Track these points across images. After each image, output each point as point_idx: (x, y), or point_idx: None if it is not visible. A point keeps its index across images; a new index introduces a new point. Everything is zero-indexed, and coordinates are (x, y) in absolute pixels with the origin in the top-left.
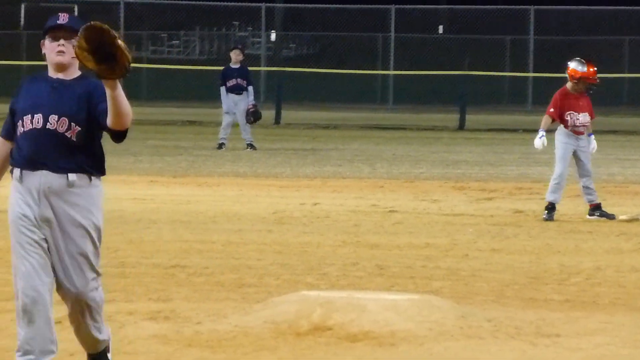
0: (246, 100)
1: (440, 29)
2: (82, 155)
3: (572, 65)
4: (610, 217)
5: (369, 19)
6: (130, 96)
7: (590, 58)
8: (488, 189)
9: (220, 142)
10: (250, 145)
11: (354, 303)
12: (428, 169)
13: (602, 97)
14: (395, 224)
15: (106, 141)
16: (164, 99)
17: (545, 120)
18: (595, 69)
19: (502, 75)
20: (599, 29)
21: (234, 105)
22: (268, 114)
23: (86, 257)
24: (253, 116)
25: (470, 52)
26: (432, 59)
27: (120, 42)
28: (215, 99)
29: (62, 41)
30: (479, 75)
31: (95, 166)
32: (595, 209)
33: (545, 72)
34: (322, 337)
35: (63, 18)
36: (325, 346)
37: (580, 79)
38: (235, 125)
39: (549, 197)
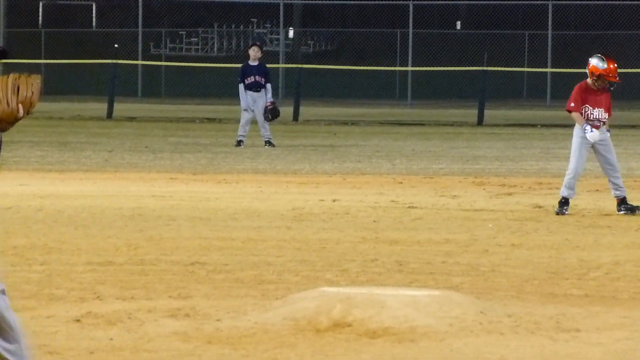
0: (264, 97)
1: (459, 24)
2: None
3: (593, 62)
4: (634, 209)
5: (387, 15)
6: (149, 94)
7: (611, 54)
8: (508, 184)
9: (239, 139)
10: (269, 143)
11: (373, 299)
12: (447, 164)
13: (621, 92)
14: (414, 220)
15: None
16: (182, 96)
17: (577, 117)
18: (616, 65)
19: (521, 71)
20: (617, 24)
21: (253, 102)
22: (287, 111)
23: None
24: (271, 114)
25: (489, 47)
26: (451, 54)
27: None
28: (234, 96)
29: None
30: (497, 70)
31: None
32: (621, 203)
33: (564, 67)
34: (342, 333)
35: None
36: (345, 342)
37: (599, 76)
38: (254, 122)
39: (563, 192)
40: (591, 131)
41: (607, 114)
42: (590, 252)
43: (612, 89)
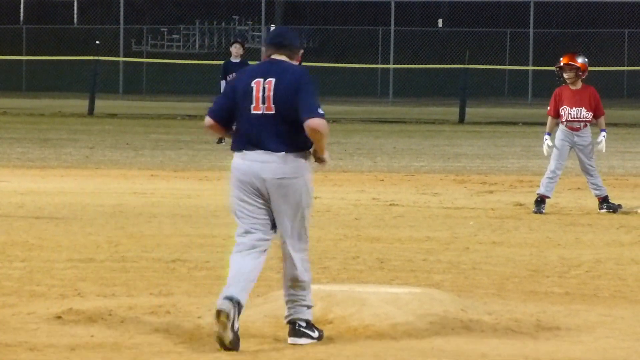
0: None
1: (440, 22)
2: None
3: None
4: (616, 208)
5: (369, 12)
6: (130, 90)
7: (592, 52)
8: (489, 182)
9: (220, 136)
10: None
11: (354, 297)
12: (429, 162)
13: (602, 90)
14: (396, 218)
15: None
16: (164, 93)
17: (548, 122)
18: (568, 56)
19: (502, 69)
20: (598, 22)
21: None
22: None
23: None
24: None
25: (470, 45)
26: (432, 52)
27: None
28: (216, 93)
29: None
30: (479, 68)
31: None
32: (602, 202)
33: (545, 65)
34: (323, 330)
35: None
36: (326, 340)
37: (558, 72)
38: None
39: (540, 189)
40: (544, 143)
41: (589, 113)
42: (571, 250)
43: (581, 76)
